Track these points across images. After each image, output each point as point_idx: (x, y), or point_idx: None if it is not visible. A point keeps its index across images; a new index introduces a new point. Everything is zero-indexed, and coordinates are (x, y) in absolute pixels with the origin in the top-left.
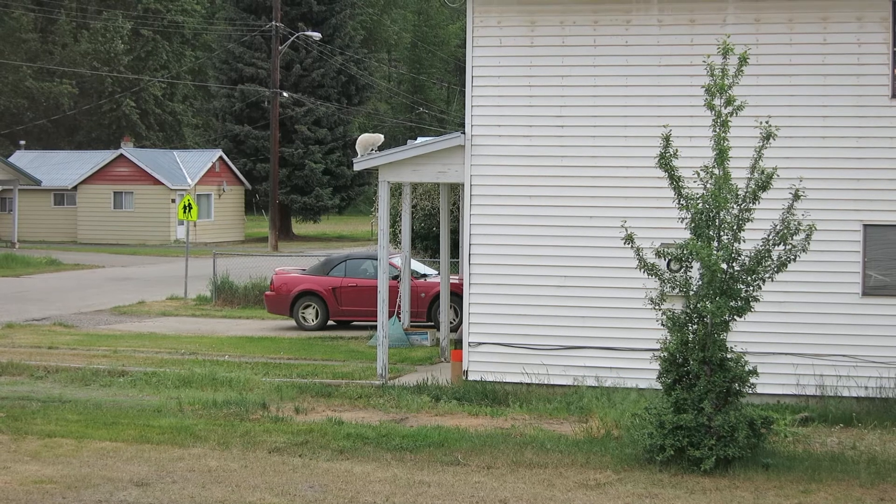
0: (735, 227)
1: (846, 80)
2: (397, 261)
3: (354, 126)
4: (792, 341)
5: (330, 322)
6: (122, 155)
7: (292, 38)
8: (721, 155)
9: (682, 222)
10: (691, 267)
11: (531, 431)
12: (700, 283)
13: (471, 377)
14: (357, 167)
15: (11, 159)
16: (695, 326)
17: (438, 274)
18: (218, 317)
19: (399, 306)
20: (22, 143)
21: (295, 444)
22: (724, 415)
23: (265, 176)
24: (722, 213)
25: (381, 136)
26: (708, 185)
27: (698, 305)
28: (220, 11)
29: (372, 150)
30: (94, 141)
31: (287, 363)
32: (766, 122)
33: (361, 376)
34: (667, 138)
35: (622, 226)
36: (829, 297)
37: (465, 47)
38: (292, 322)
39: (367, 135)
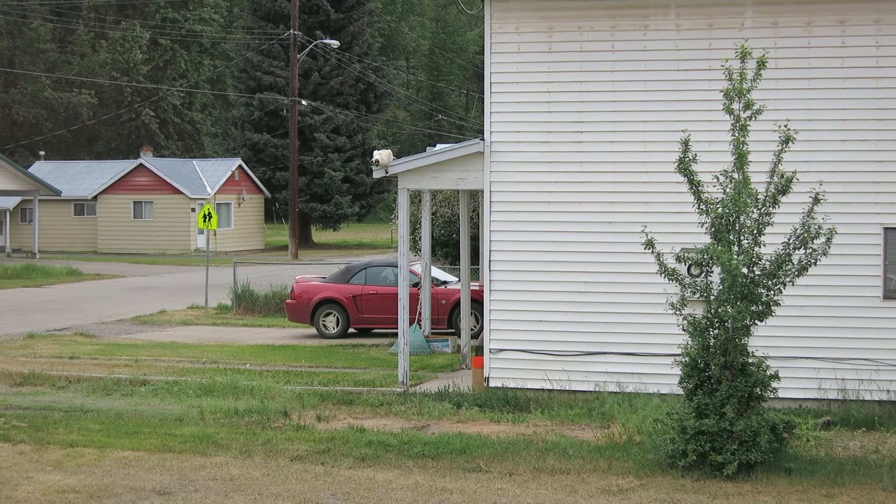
0: (755, 232)
1: (865, 82)
2: (417, 268)
3: (373, 133)
4: (813, 345)
5: (351, 330)
6: (141, 164)
7: (310, 47)
8: (740, 159)
9: (702, 227)
10: (712, 272)
11: (553, 438)
12: (721, 287)
13: (492, 384)
14: (376, 174)
15: (31, 170)
16: (716, 331)
17: (459, 281)
18: (239, 325)
19: (420, 313)
20: (41, 153)
21: (317, 452)
22: (746, 419)
23: (284, 184)
24: (742, 218)
25: (390, 152)
26: (727, 190)
27: (719, 310)
28: (238, 20)
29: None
30: (113, 151)
31: (308, 371)
32: (786, 126)
33: (383, 384)
34: (686, 143)
35: (642, 231)
36: (850, 301)
37: (483, 54)
38: (313, 330)
39: (384, 152)
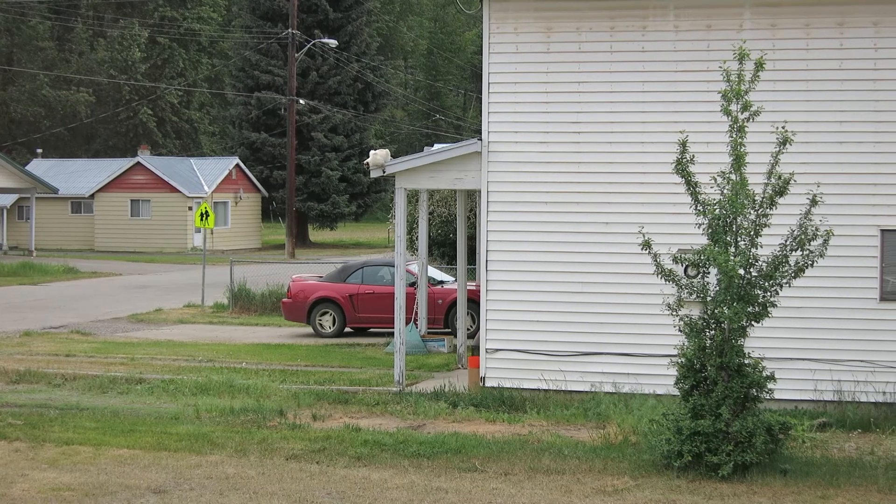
0: (752, 233)
1: (863, 84)
2: (414, 267)
3: (371, 133)
4: (810, 346)
5: (347, 329)
6: (138, 163)
7: (308, 46)
8: (738, 160)
9: (699, 228)
10: (708, 273)
11: (549, 438)
12: (717, 288)
13: (488, 384)
14: (374, 174)
15: (28, 168)
16: (712, 332)
17: (455, 280)
18: (235, 324)
19: (416, 313)
20: (39, 151)
21: (312, 451)
22: (742, 420)
23: (282, 183)
24: (739, 219)
25: (387, 151)
26: (725, 191)
27: (716, 311)
28: (237, 19)
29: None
30: (110, 149)
31: (304, 370)
32: (783, 128)
33: (379, 383)
34: (683, 144)
35: (639, 232)
36: (846, 303)
37: (481, 54)
38: (309, 329)
39: (381, 151)
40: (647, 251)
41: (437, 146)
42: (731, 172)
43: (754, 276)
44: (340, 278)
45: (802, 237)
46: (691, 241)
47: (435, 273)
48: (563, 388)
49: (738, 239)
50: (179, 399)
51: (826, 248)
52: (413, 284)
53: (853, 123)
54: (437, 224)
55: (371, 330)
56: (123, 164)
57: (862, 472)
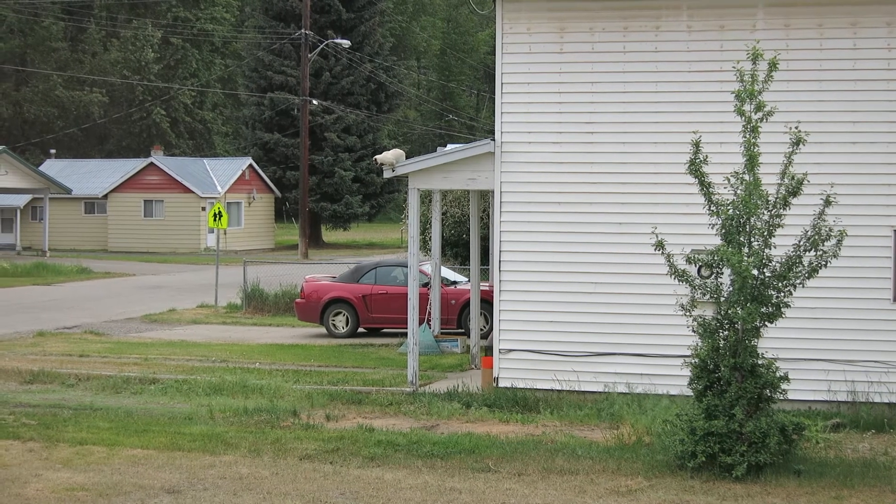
0: (766, 233)
1: (876, 84)
2: (427, 268)
3: (384, 133)
4: (823, 347)
5: (360, 329)
6: (152, 163)
7: (322, 46)
8: (751, 161)
9: (712, 228)
10: (722, 273)
11: (562, 438)
12: (731, 289)
13: (501, 384)
14: (386, 174)
15: (42, 168)
16: (726, 332)
17: (468, 281)
18: (248, 324)
19: (429, 313)
20: (52, 151)
21: (326, 452)
22: (756, 421)
23: (295, 184)
24: (752, 219)
25: (402, 152)
26: (738, 191)
27: (729, 311)
28: (250, 20)
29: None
30: (124, 149)
31: (318, 370)
32: (797, 128)
33: (392, 383)
34: (697, 144)
35: (652, 232)
36: (860, 303)
37: (494, 54)
38: (323, 329)
39: (395, 151)
40: (660, 251)
41: (450, 146)
42: (744, 173)
43: (768, 277)
44: (354, 279)
45: (816, 237)
46: (704, 242)
47: (448, 273)
48: (577, 389)
49: (752, 239)
50: (193, 399)
51: (839, 249)
52: (426, 285)
53: (866, 124)
54: (451, 224)
55: (384, 330)
56: (137, 164)
57: (876, 472)
